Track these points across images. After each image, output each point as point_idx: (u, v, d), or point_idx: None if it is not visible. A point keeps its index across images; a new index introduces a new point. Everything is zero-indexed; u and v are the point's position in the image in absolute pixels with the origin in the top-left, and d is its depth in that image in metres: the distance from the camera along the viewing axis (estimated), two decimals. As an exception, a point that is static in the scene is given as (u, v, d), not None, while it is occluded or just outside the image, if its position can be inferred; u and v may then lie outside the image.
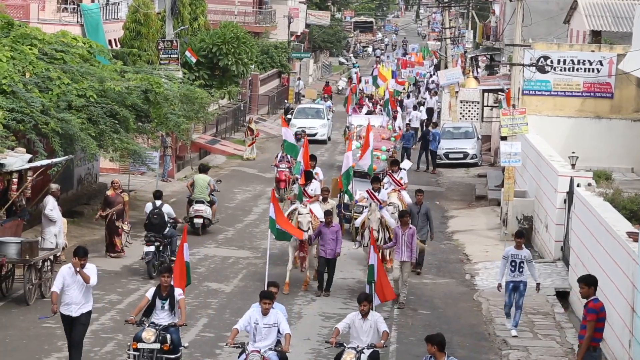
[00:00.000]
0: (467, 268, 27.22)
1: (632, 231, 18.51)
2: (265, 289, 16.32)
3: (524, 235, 21.85)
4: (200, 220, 29.42)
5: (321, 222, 23.84)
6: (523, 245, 20.91)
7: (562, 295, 23.78)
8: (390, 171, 28.88)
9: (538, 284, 20.86)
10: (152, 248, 23.96)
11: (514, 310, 20.77)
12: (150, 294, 16.24)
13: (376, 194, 25.26)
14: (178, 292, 16.25)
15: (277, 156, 36.19)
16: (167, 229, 24.67)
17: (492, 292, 23.54)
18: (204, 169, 31.00)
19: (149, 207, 25.04)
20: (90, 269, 16.53)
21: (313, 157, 28.53)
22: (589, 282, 15.36)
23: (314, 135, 50.21)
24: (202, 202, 29.59)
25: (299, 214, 23.73)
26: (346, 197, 29.48)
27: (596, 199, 22.43)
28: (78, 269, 16.35)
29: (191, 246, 26.61)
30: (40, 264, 21.66)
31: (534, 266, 20.90)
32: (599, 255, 20.41)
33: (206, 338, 19.65)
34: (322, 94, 72.05)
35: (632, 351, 17.18)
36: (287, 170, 34.68)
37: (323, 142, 52.48)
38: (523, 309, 21.08)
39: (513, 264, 20.58)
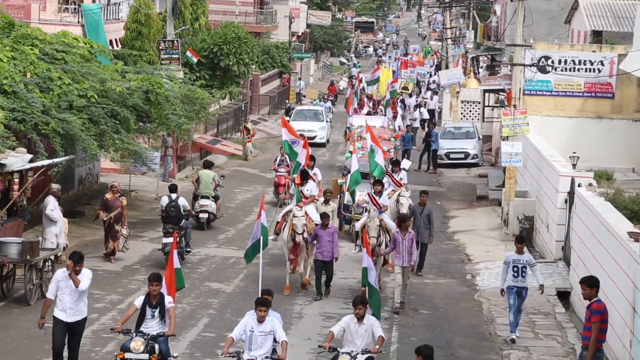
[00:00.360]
0: (468, 268, 27.21)
1: (633, 231, 18.49)
2: (260, 296, 16.18)
3: (525, 240, 21.70)
4: (206, 215, 30.17)
5: (316, 224, 23.60)
6: (524, 250, 20.79)
7: (563, 295, 23.76)
8: (391, 171, 28.83)
9: (541, 286, 20.77)
10: (170, 239, 24.36)
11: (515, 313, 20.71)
12: (139, 302, 15.89)
13: (377, 196, 24.99)
14: (168, 300, 15.94)
15: (276, 160, 36.15)
16: (183, 221, 25.28)
17: (493, 292, 23.54)
18: (208, 165, 31.51)
19: (165, 200, 25.74)
20: (85, 274, 16.41)
21: (311, 158, 28.46)
22: (591, 284, 15.31)
23: (313, 138, 49.38)
24: (207, 197, 30.21)
25: (294, 216, 23.36)
26: (346, 198, 29.41)
27: (597, 199, 22.42)
28: (69, 272, 16.27)
29: (192, 245, 26.79)
30: (41, 264, 21.69)
31: (537, 269, 20.71)
32: (600, 255, 20.39)
33: (207, 338, 19.65)
34: (326, 94, 72.01)
35: (633, 351, 17.17)
36: (287, 174, 34.62)
37: (322, 145, 52.09)
38: (524, 309, 21.06)
39: (515, 269, 20.39)
